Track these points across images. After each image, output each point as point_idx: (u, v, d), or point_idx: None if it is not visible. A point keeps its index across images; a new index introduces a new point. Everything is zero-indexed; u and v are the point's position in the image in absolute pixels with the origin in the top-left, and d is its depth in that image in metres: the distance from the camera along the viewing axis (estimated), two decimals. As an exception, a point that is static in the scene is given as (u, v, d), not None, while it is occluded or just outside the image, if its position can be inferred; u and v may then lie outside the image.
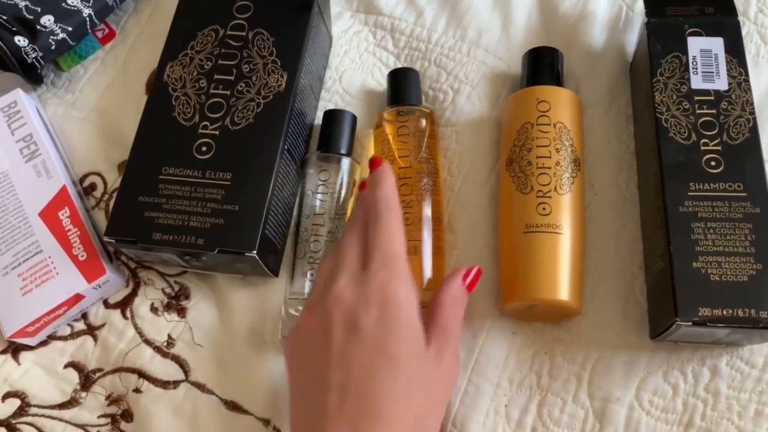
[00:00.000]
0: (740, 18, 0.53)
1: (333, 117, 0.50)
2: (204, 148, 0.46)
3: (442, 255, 0.48)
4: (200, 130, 0.46)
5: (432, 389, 0.37)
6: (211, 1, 0.51)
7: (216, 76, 0.48)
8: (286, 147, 0.46)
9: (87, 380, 0.47)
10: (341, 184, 0.49)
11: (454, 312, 0.40)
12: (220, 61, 0.48)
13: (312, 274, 0.46)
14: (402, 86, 0.52)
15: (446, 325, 0.39)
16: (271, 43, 0.49)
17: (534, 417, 0.44)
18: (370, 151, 0.52)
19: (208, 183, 0.45)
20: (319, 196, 0.48)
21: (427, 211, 0.47)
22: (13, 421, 0.46)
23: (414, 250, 0.46)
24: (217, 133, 0.46)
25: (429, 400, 0.36)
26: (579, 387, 0.44)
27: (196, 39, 0.49)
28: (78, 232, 0.48)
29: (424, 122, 0.50)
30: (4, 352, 0.48)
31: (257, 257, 0.43)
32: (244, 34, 0.49)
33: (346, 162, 0.49)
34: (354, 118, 0.51)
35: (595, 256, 0.47)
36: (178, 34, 0.50)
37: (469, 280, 0.42)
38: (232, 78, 0.48)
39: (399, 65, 0.56)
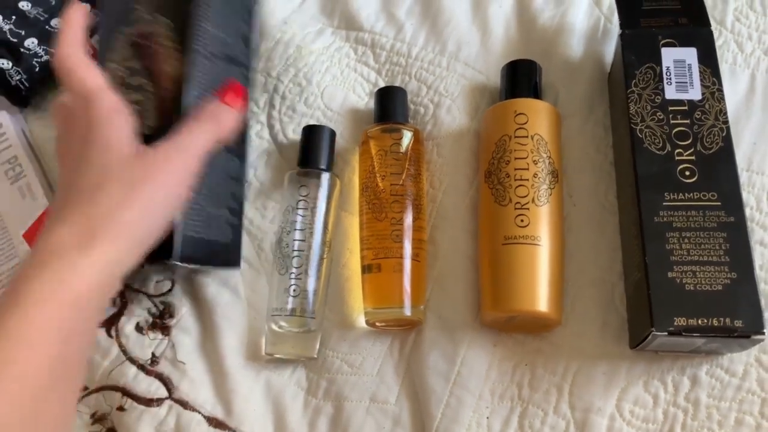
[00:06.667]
0: (717, 27, 0.53)
1: (311, 132, 0.51)
2: None
3: (423, 272, 0.48)
4: None
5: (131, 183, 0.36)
6: (113, 4, 0.48)
7: (128, 81, 0.45)
8: None
9: (72, 399, 0.47)
10: (321, 199, 0.49)
11: (197, 124, 0.40)
12: (133, 65, 0.46)
13: (294, 290, 0.47)
14: (389, 104, 0.52)
15: (180, 134, 0.39)
16: (171, 28, 0.46)
17: (515, 429, 0.44)
18: (355, 167, 0.53)
19: None
20: (299, 211, 0.49)
21: (409, 230, 0.47)
22: (-1, 442, 0.46)
23: (397, 268, 0.46)
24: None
25: (124, 191, 0.36)
26: (560, 398, 0.44)
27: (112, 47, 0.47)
28: (62, 252, 0.48)
29: (409, 141, 0.50)
30: (-10, 372, 0.48)
31: (182, 263, 0.41)
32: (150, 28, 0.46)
33: (325, 177, 0.50)
34: (333, 133, 0.51)
35: (575, 266, 0.47)
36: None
37: (227, 95, 0.42)
38: (145, 79, 0.45)
39: (380, 80, 0.56)
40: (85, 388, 0.48)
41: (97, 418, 0.47)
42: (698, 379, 0.43)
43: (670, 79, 0.46)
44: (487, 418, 0.45)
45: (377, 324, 0.47)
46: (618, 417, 0.43)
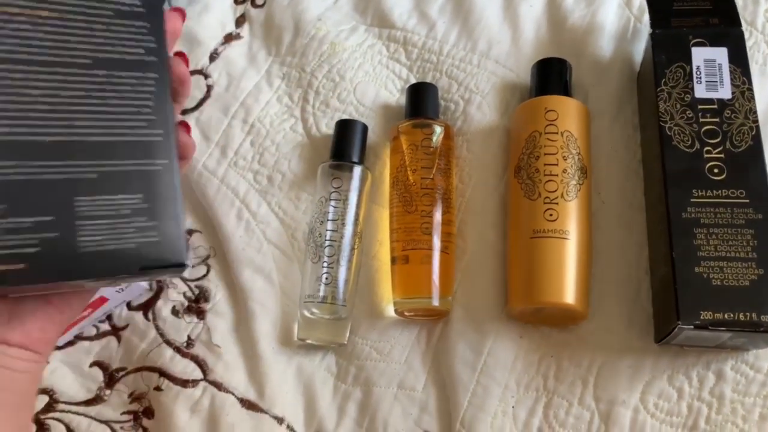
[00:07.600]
0: (748, 28, 0.54)
1: (344, 127, 0.52)
2: None
3: (451, 264, 0.49)
4: None
5: None
6: None
7: None
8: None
9: (111, 379, 0.49)
10: (353, 191, 0.50)
11: None
12: None
13: (326, 278, 0.48)
14: (420, 100, 0.53)
15: None
16: None
17: (540, 418, 0.45)
18: (386, 161, 0.54)
19: None
20: (332, 203, 0.50)
21: (438, 223, 0.49)
22: (42, 417, 0.48)
23: (425, 260, 0.48)
24: None
25: None
26: (585, 390, 0.45)
27: None
28: (104, 237, 0.50)
29: (440, 136, 0.51)
30: (33, 351, 0.50)
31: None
32: None
33: (357, 170, 0.51)
34: (365, 128, 0.53)
35: (602, 261, 0.48)
36: None
37: None
38: None
39: (412, 77, 0.58)
40: (124, 369, 0.49)
41: (135, 397, 0.48)
42: (723, 374, 0.44)
43: (700, 78, 0.46)
44: (513, 407, 0.46)
45: (406, 313, 0.48)
46: (642, 409, 0.44)
